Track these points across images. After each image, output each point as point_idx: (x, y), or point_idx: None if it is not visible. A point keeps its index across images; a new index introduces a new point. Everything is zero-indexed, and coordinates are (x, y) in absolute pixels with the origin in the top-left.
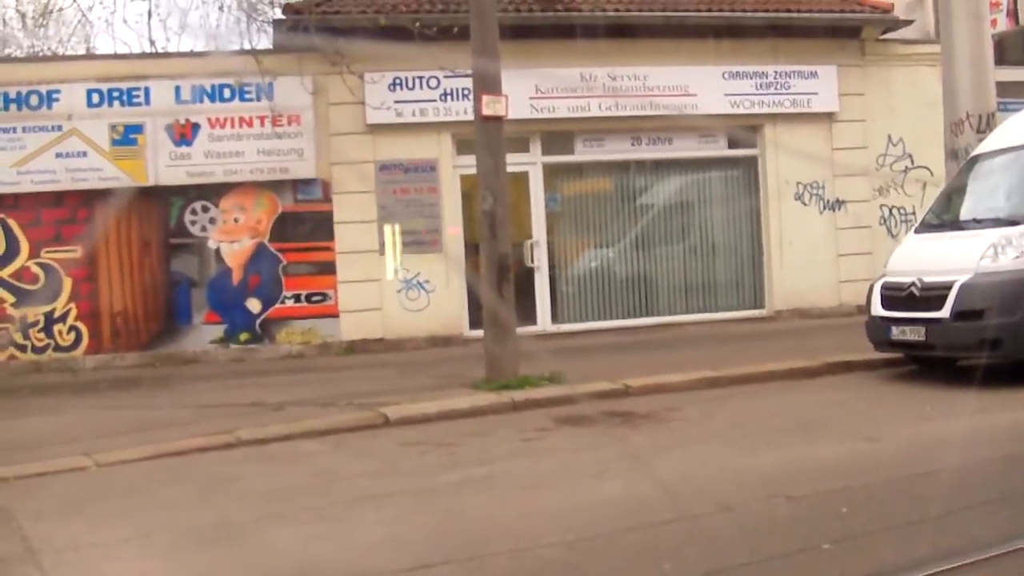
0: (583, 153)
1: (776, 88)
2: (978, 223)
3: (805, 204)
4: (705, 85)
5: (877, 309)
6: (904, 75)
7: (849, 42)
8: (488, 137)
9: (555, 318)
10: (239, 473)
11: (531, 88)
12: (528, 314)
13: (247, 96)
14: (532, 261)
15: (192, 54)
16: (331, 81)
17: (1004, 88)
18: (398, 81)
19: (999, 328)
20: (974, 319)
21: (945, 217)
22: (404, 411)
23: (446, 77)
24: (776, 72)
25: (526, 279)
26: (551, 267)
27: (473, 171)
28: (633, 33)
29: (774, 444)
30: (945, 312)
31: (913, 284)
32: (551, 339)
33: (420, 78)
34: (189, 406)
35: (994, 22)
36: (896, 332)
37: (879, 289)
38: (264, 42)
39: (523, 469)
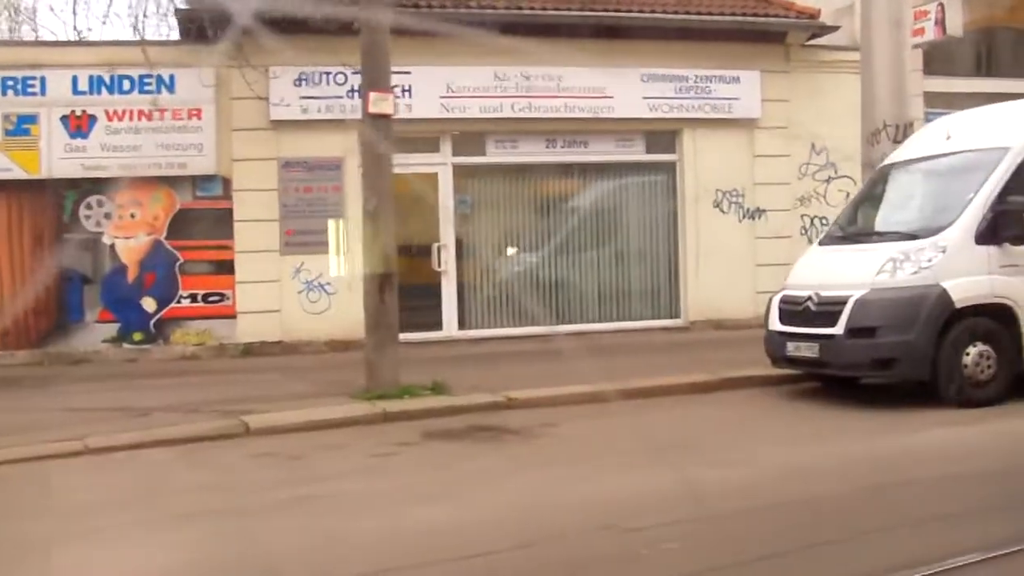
0: (495, 155)
1: (696, 92)
2: (880, 236)
3: (724, 212)
4: (622, 87)
5: (774, 323)
6: (830, 82)
7: (774, 47)
8: (374, 135)
9: (462, 324)
10: (66, 485)
11: (442, 87)
12: (434, 319)
13: (147, 88)
14: (439, 265)
15: (90, 43)
16: (235, 75)
17: (933, 99)
18: (304, 77)
19: (893, 346)
20: (867, 336)
21: (849, 229)
22: (267, 420)
23: (354, 73)
24: (697, 76)
25: (433, 283)
26: (459, 271)
27: None
28: (549, 32)
29: (638, 466)
30: (839, 328)
31: (810, 298)
32: (456, 345)
33: (327, 74)
34: (57, 409)
35: (922, 31)
36: (791, 348)
37: (777, 303)
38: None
39: (360, 488)
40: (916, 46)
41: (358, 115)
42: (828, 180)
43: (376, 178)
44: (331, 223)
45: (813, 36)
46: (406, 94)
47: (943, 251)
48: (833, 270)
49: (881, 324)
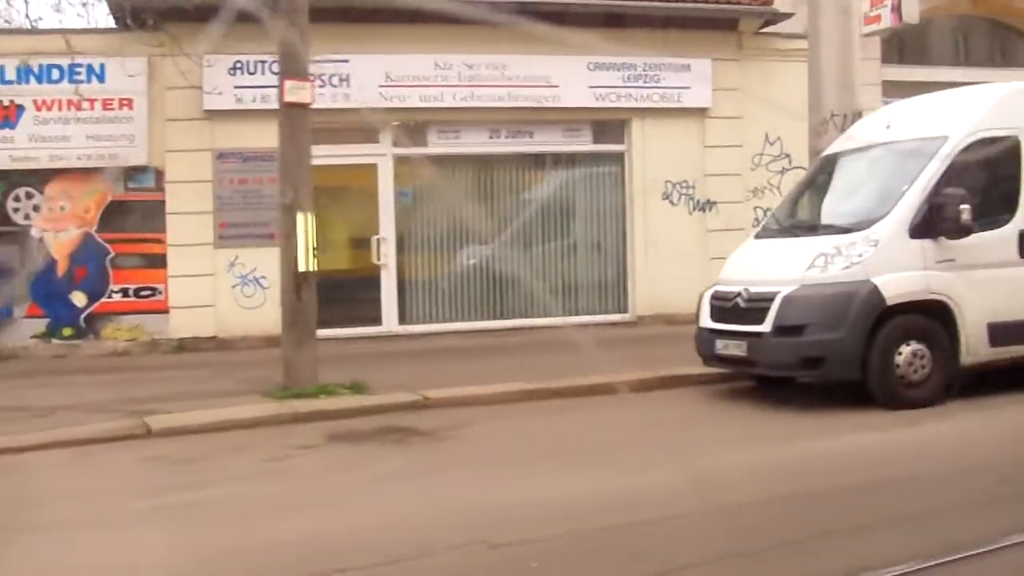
0: (437, 145)
1: (645, 81)
2: (814, 229)
3: (674, 204)
4: (569, 76)
5: (705, 320)
6: (784, 71)
7: (725, 35)
8: (291, 125)
9: (403, 319)
10: None
11: (381, 75)
12: (373, 314)
13: (77, 78)
14: (379, 258)
15: (16, 31)
16: (168, 64)
17: (890, 88)
18: (239, 65)
19: (821, 345)
20: (795, 334)
21: (786, 222)
22: (169, 421)
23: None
24: (646, 64)
25: (372, 277)
26: (400, 265)
27: (320, 162)
28: (492, 19)
29: (540, 473)
30: (767, 326)
31: (739, 294)
32: (395, 341)
33: (262, 62)
34: None
35: (878, 18)
36: (721, 346)
37: (708, 298)
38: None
39: (242, 495)
40: (872, 33)
41: None
42: (782, 171)
43: (294, 170)
44: (267, 216)
45: (767, 23)
46: (344, 83)
47: (875, 245)
48: (764, 265)
49: (809, 322)
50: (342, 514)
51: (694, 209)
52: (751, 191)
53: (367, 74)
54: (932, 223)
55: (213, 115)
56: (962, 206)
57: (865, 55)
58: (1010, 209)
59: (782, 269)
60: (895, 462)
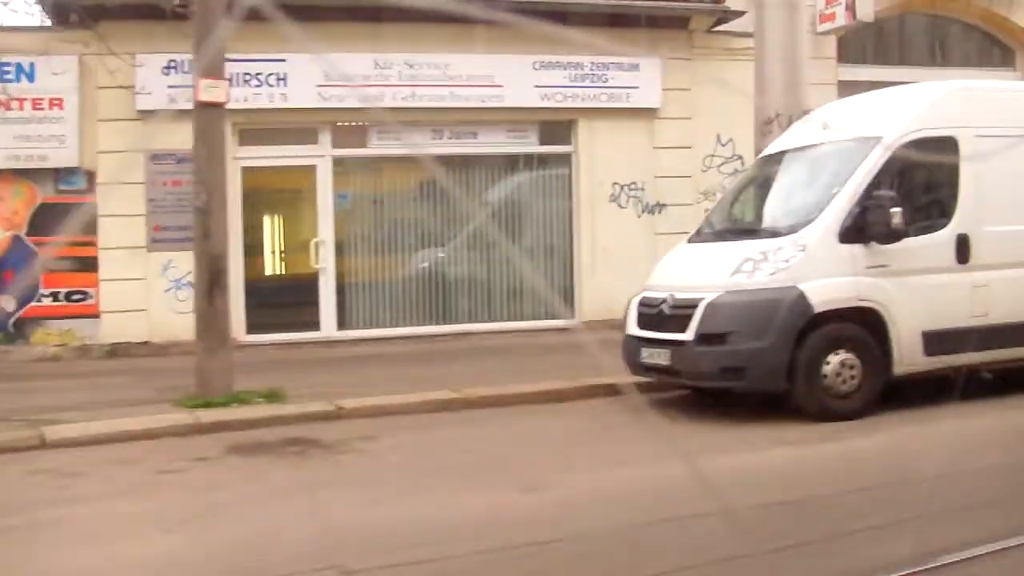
0: (378, 146)
1: (592, 80)
2: (744, 233)
3: (622, 207)
4: (513, 75)
5: (631, 327)
6: (737, 70)
7: (676, 33)
8: (205, 125)
9: (342, 324)
10: None
11: (319, 75)
12: (311, 319)
13: (7, 77)
14: (317, 262)
15: None
16: (100, 63)
17: (845, 87)
18: (172, 65)
19: (744, 354)
20: (717, 343)
21: (719, 225)
22: (65, 432)
23: (227, 61)
24: (593, 63)
25: (311, 281)
26: (339, 269)
27: (259, 163)
28: (434, 17)
29: (432, 489)
30: (689, 334)
31: (664, 300)
32: (334, 347)
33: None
34: None
35: (832, 16)
36: (646, 354)
37: (635, 305)
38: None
39: (109, 512)
40: (827, 32)
41: (231, 105)
42: (734, 173)
43: (207, 172)
44: None
45: (719, 22)
46: (281, 83)
47: (803, 250)
48: (691, 270)
49: (731, 330)
50: (208, 533)
51: (643, 212)
52: (702, 193)
53: (305, 74)
54: (863, 227)
55: (146, 115)
56: (893, 209)
57: (821, 54)
58: (947, 212)
59: (707, 275)
60: (814, 478)
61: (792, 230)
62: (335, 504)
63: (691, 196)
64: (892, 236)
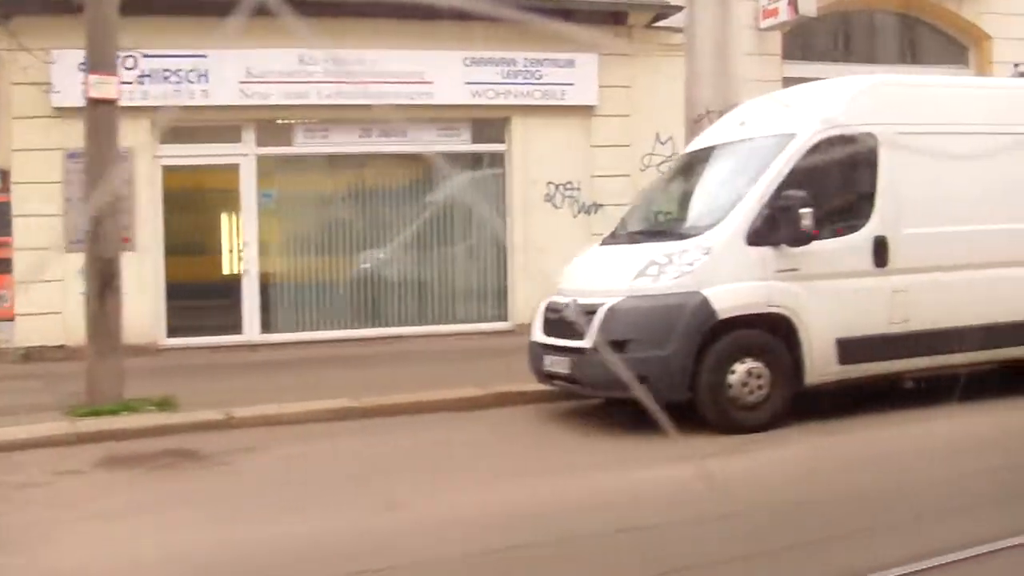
0: (304, 145)
1: (526, 77)
2: (654, 235)
3: (557, 207)
4: (443, 72)
5: (537, 333)
6: (676, 66)
7: (614, 29)
8: (96, 122)
9: (266, 327)
10: None
11: (241, 71)
12: (233, 322)
13: None
14: (241, 263)
15: None
16: (13, 59)
17: (790, 84)
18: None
19: (644, 363)
20: (617, 351)
21: (633, 226)
22: None
23: (145, 57)
24: (527, 59)
25: (233, 283)
26: (263, 271)
27: (181, 162)
28: (361, 11)
29: (288, 508)
30: (589, 341)
31: (567, 305)
32: (256, 351)
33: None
34: None
35: (775, 11)
36: (548, 362)
37: (542, 310)
38: None
39: None
40: (770, 27)
41: (149, 101)
42: None
43: (99, 170)
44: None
45: (658, 17)
46: (202, 79)
47: (708, 253)
48: (597, 273)
49: (631, 337)
50: (33, 557)
51: (579, 212)
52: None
53: (226, 70)
54: (772, 229)
55: (63, 112)
56: (802, 210)
57: (766, 50)
58: (865, 214)
59: (610, 279)
60: (704, 497)
61: (698, 232)
62: (183, 525)
63: (629, 196)
64: (802, 238)
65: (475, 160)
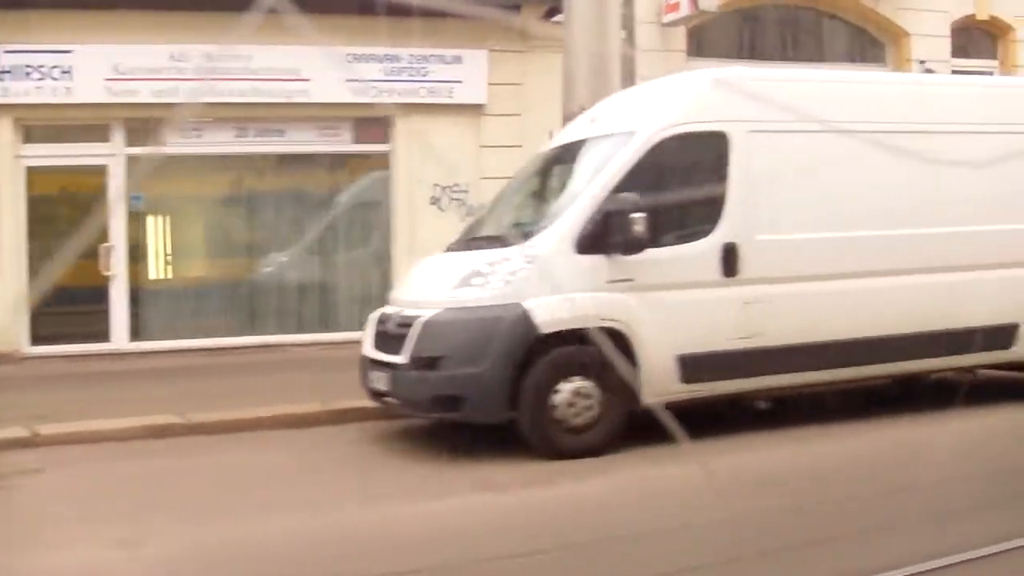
0: (177, 145)
1: (411, 74)
2: (488, 241)
3: (443, 210)
4: (323, 69)
5: (366, 346)
6: None
7: (506, 25)
8: None
9: (136, 335)
10: None
11: (108, 67)
12: (101, 330)
13: None
14: (108, 268)
15: None
16: None
17: None
18: None
19: (458, 381)
20: (430, 368)
21: (478, 231)
22: None
23: (6, 52)
24: (411, 56)
25: (100, 289)
26: (133, 276)
27: (45, 163)
28: (236, 5)
29: (31, 542)
30: (404, 356)
31: (391, 317)
32: (125, 359)
33: None
34: None
35: (676, 6)
36: (373, 377)
37: (373, 321)
38: None
39: None
40: (673, 23)
41: (10, 99)
42: None
43: None
44: None
45: (551, 12)
46: (66, 75)
47: (532, 261)
48: (424, 283)
49: (445, 353)
50: None
51: (467, 215)
52: None
53: (92, 66)
54: (604, 236)
55: None
56: (634, 215)
57: (670, 47)
58: (712, 218)
59: (433, 289)
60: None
61: (526, 238)
62: None
63: None
64: (635, 246)
65: (359, 161)
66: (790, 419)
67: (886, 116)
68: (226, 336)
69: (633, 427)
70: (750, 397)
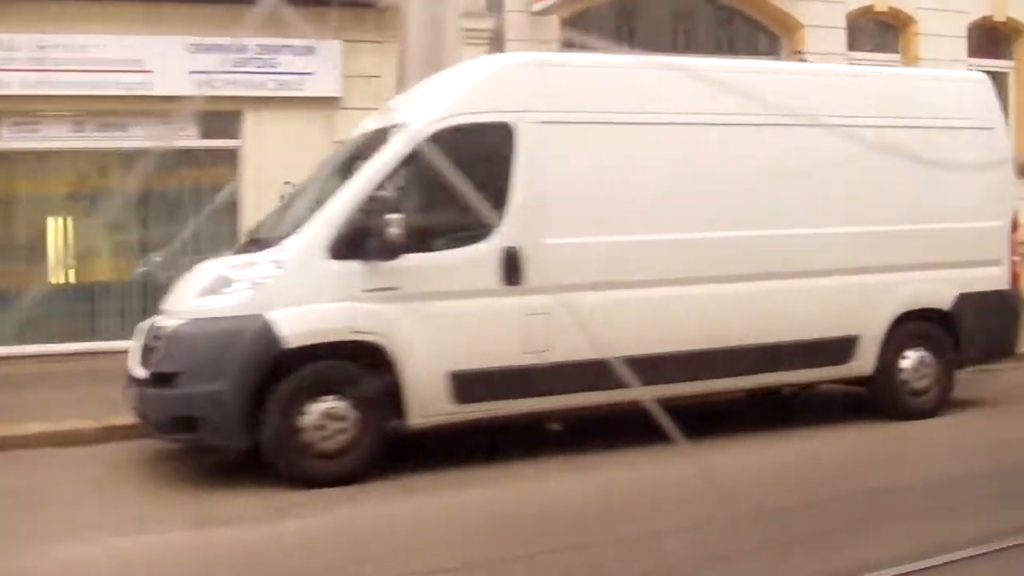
0: (10, 140)
1: (259, 66)
2: (255, 244)
3: None
4: (165, 59)
5: (131, 360)
6: None
7: (361, 12)
8: None
9: None
10: None
11: None
12: None
13: None
14: None
15: None
16: None
17: None
18: None
19: (195, 400)
20: (167, 384)
21: (255, 232)
22: None
23: None
24: (260, 46)
25: None
26: None
27: None
28: None
29: None
30: (147, 371)
31: (152, 328)
32: None
33: None
34: None
35: None
36: (129, 393)
37: (140, 331)
38: None
39: None
40: (544, 11)
41: None
42: None
43: None
44: None
45: None
46: None
47: (279, 267)
48: (183, 289)
49: (182, 369)
50: None
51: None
52: None
53: None
54: (361, 239)
55: None
56: (389, 216)
57: (542, 37)
58: (492, 220)
59: (184, 297)
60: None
61: (275, 242)
62: None
63: None
64: (391, 251)
65: (206, 158)
66: (587, 443)
67: (707, 107)
68: (66, 342)
69: (417, 450)
70: (539, 418)
